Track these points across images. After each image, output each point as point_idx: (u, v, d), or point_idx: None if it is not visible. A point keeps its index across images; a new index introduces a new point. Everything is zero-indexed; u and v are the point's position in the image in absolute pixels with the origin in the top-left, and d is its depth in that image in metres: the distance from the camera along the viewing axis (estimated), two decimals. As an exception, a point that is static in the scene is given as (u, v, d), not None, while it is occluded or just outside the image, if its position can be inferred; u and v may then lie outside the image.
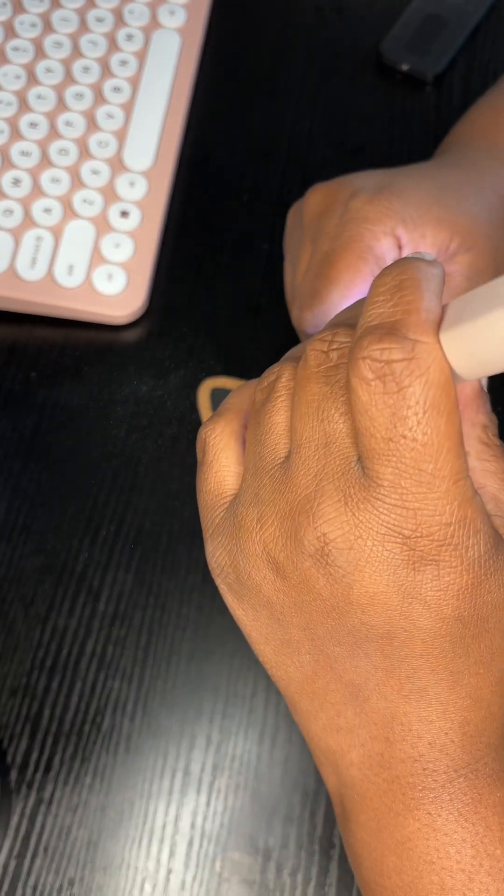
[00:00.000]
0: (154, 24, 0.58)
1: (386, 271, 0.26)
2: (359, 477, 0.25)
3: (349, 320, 0.28)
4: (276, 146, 0.56)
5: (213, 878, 0.40)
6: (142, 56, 0.57)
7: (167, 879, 0.40)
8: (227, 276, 0.52)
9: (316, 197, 0.41)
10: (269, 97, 0.58)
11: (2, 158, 0.53)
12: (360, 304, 0.28)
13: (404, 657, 0.27)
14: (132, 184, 0.52)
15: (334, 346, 0.27)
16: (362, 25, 0.60)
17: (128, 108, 0.55)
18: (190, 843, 0.40)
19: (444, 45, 0.58)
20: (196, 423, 0.48)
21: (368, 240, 0.38)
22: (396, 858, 0.29)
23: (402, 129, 0.57)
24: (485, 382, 0.29)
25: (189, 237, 0.54)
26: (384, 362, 0.24)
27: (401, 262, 0.26)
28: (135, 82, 0.56)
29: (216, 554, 0.30)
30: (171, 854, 0.40)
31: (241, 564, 0.29)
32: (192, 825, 0.41)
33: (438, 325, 0.24)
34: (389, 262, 0.38)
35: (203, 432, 0.31)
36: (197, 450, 0.31)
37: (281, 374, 0.28)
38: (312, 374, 0.27)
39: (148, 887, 0.40)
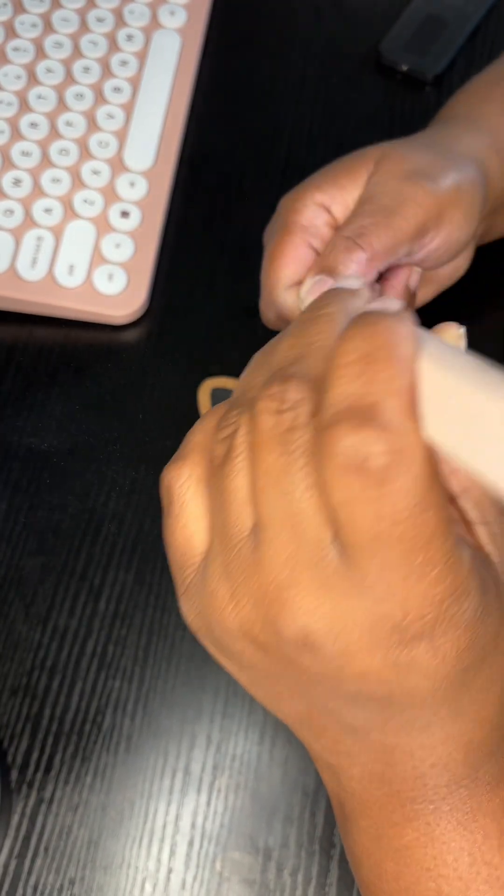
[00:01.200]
0: (154, 24, 0.58)
1: (351, 334, 0.23)
2: (338, 566, 0.23)
3: (298, 367, 0.25)
4: (276, 146, 0.56)
5: (213, 878, 0.40)
6: (142, 56, 0.57)
7: (168, 879, 0.40)
8: (227, 276, 0.53)
9: (267, 227, 0.42)
10: (269, 97, 0.58)
11: (2, 158, 0.53)
12: (305, 345, 0.26)
13: (403, 710, 0.26)
14: (132, 184, 0.52)
15: (286, 406, 0.24)
16: (362, 25, 0.60)
17: (128, 108, 0.55)
18: (190, 843, 0.40)
19: (444, 46, 0.58)
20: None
21: (292, 216, 0.38)
22: (395, 864, 0.29)
23: (402, 129, 0.57)
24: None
25: (189, 237, 0.54)
26: (364, 457, 0.21)
27: (368, 324, 0.23)
28: (135, 82, 0.56)
29: (191, 616, 0.28)
30: (172, 853, 0.40)
31: (218, 633, 0.27)
32: (193, 825, 0.41)
33: (415, 403, 0.22)
34: (320, 226, 0.38)
35: (167, 478, 0.29)
36: (162, 496, 0.29)
37: (238, 427, 0.26)
38: (266, 439, 0.24)
39: (148, 887, 0.40)
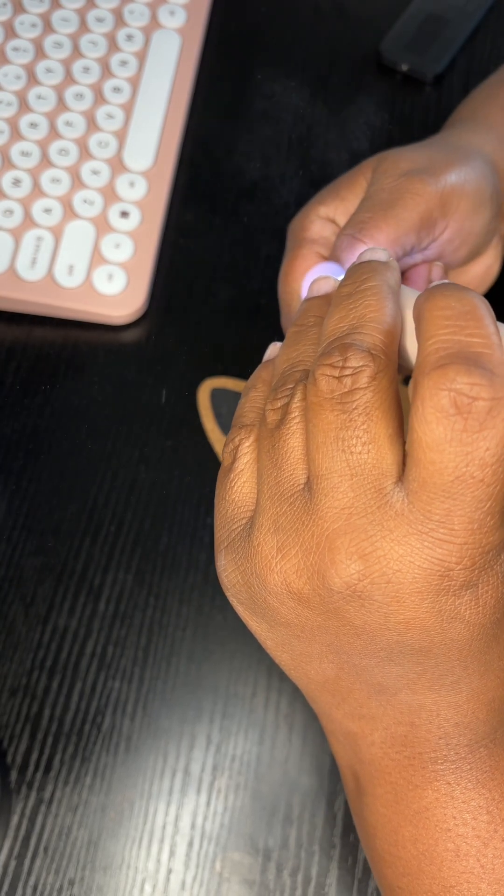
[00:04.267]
0: (154, 24, 0.58)
1: (445, 293, 0.25)
2: (400, 509, 0.25)
3: (349, 334, 0.27)
4: (276, 146, 0.56)
5: (213, 879, 0.40)
6: (142, 56, 0.57)
7: (167, 879, 0.40)
8: (227, 276, 0.52)
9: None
10: (269, 97, 0.58)
11: (2, 159, 0.53)
12: (345, 308, 0.28)
13: (438, 662, 0.27)
14: (132, 184, 0.52)
15: (347, 372, 0.26)
16: (362, 25, 0.60)
17: (128, 108, 0.55)
18: (190, 844, 0.40)
19: (444, 45, 0.58)
20: (196, 423, 0.48)
21: (300, 234, 0.39)
22: (413, 828, 0.29)
23: (402, 129, 0.57)
24: None
25: (189, 237, 0.54)
26: (471, 398, 0.23)
27: (455, 289, 0.25)
28: (135, 82, 0.56)
29: (228, 570, 0.29)
30: (172, 854, 0.40)
31: (256, 588, 0.28)
32: (193, 825, 0.41)
33: None
34: (328, 237, 0.39)
35: (237, 438, 0.30)
36: (225, 454, 0.30)
37: (293, 395, 0.28)
38: (325, 400, 0.26)
39: (148, 887, 0.40)
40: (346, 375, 0.26)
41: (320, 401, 0.26)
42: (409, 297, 0.29)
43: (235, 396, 0.49)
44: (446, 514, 0.24)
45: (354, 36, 0.60)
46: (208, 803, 0.41)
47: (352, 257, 0.36)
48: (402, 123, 0.57)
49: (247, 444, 0.29)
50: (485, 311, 0.25)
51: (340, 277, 0.31)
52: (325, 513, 0.26)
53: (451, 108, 0.57)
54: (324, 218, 0.39)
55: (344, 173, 0.41)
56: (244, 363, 0.50)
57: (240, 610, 0.30)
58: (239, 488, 0.29)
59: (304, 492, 0.26)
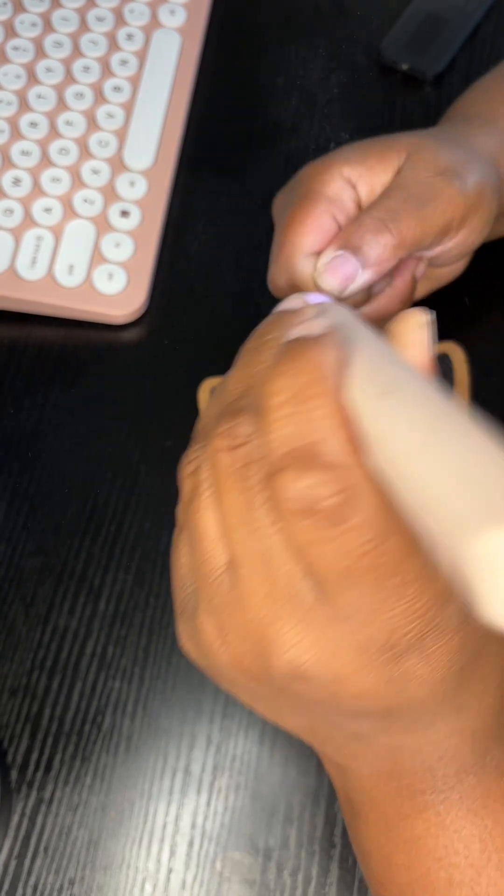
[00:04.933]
0: (154, 23, 0.58)
1: (278, 371, 0.23)
2: (314, 600, 0.24)
3: (247, 400, 0.25)
4: (276, 145, 0.56)
5: (213, 878, 0.40)
6: (142, 55, 0.57)
7: (168, 879, 0.40)
8: (227, 275, 0.52)
9: (278, 196, 0.41)
10: (269, 97, 0.58)
11: (2, 158, 0.53)
12: (251, 376, 0.26)
13: (406, 714, 0.26)
14: (132, 183, 0.52)
15: (238, 442, 0.24)
16: (362, 25, 0.60)
17: (128, 107, 0.55)
18: (190, 843, 0.40)
19: (444, 45, 0.58)
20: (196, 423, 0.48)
21: (317, 186, 0.37)
22: (405, 856, 0.29)
23: (402, 129, 0.56)
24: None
25: (189, 237, 0.53)
26: (313, 500, 0.22)
27: (293, 357, 0.23)
28: (135, 82, 0.56)
29: (183, 640, 0.29)
30: (172, 854, 0.40)
31: (211, 663, 0.27)
32: (193, 825, 0.41)
33: (355, 434, 0.22)
34: (345, 201, 0.37)
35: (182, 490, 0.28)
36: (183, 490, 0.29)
37: (200, 464, 0.26)
38: (225, 477, 0.24)
39: (148, 887, 0.40)
40: (239, 446, 0.24)
41: (222, 478, 0.25)
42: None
43: (235, 396, 0.48)
44: (356, 600, 0.23)
45: (354, 35, 0.60)
46: (209, 803, 0.41)
47: (374, 244, 0.35)
48: (402, 123, 0.57)
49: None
50: (324, 377, 0.22)
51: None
52: (249, 601, 0.25)
53: (451, 107, 0.57)
54: (345, 179, 0.37)
55: (372, 140, 0.39)
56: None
57: (207, 673, 0.29)
58: (177, 558, 0.28)
59: (228, 572, 0.25)
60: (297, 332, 0.26)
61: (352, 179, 0.37)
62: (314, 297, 0.31)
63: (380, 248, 0.35)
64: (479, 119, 0.44)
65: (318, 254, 0.37)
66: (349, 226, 0.36)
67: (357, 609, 0.23)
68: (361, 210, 0.38)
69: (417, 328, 0.25)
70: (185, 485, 0.27)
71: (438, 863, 0.28)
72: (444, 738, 0.28)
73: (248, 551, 0.24)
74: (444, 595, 0.24)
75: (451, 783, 0.28)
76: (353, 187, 0.38)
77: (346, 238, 0.36)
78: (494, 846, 0.28)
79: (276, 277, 0.38)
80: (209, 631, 0.26)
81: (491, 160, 0.40)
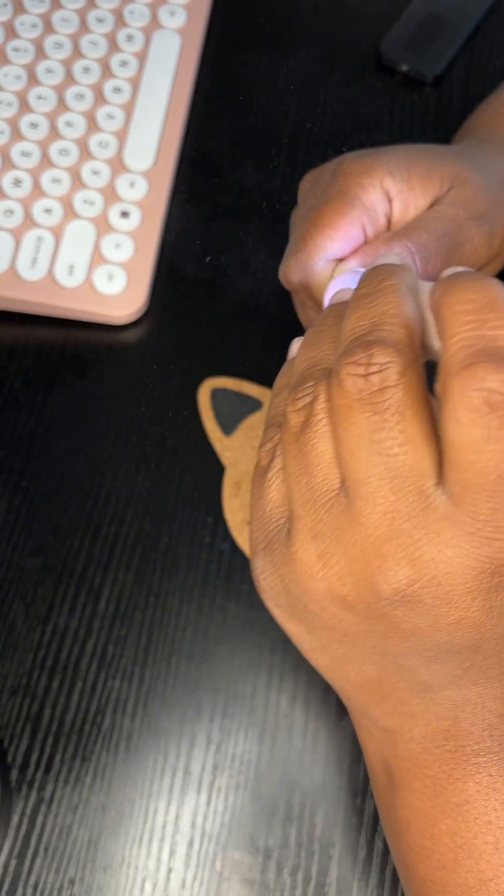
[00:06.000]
0: (154, 24, 0.58)
1: (462, 286, 0.25)
2: (445, 512, 0.24)
3: (371, 331, 0.26)
4: (277, 146, 0.56)
5: (213, 878, 0.40)
6: (142, 56, 0.57)
7: (167, 878, 0.40)
8: (228, 275, 0.53)
9: (308, 176, 0.41)
10: (269, 98, 0.58)
11: (2, 159, 0.53)
12: (364, 307, 0.27)
13: (487, 657, 0.27)
14: (132, 184, 0.52)
15: (374, 370, 0.25)
16: (362, 25, 0.60)
17: (128, 108, 0.55)
18: (190, 843, 0.40)
19: (444, 46, 0.58)
20: (196, 423, 0.48)
21: (356, 190, 0.36)
22: (451, 821, 0.29)
23: (402, 129, 0.57)
24: None
25: (189, 237, 0.54)
26: (493, 392, 0.23)
27: (472, 279, 0.25)
28: (135, 83, 0.56)
29: (266, 573, 0.28)
30: (172, 853, 0.40)
31: (295, 593, 0.27)
32: (193, 824, 0.41)
33: None
34: (379, 214, 0.37)
35: (275, 437, 0.29)
36: (261, 452, 0.29)
37: (317, 396, 0.27)
38: (354, 401, 0.25)
39: (148, 886, 0.40)
40: (374, 373, 0.25)
41: (349, 402, 0.25)
42: (426, 291, 0.28)
43: (235, 396, 0.49)
44: (492, 512, 0.23)
45: (354, 36, 0.60)
46: (208, 802, 0.41)
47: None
48: (402, 123, 0.57)
49: (271, 447, 0.29)
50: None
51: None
52: (367, 519, 0.25)
53: (450, 108, 0.57)
54: (385, 190, 0.37)
55: (418, 152, 0.38)
56: (244, 363, 0.50)
57: (276, 613, 0.29)
58: (277, 488, 0.28)
59: (341, 497, 0.26)
60: (449, 271, 0.27)
61: (391, 193, 0.37)
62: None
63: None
64: (493, 143, 0.43)
65: (340, 260, 0.36)
66: (378, 243, 0.36)
67: (488, 521, 0.24)
68: (390, 225, 0.37)
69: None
70: (294, 417, 0.27)
71: (487, 826, 0.28)
72: None
73: (373, 470, 0.25)
74: None
75: None
76: (390, 201, 0.37)
77: (372, 258, 0.35)
78: None
79: (291, 272, 0.38)
80: (307, 557, 0.26)
81: None
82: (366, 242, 0.37)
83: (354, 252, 0.36)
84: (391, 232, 0.37)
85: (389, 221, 0.37)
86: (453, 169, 0.38)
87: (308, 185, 0.40)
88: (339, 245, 0.36)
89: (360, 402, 0.25)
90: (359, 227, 0.36)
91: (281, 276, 0.39)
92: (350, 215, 0.36)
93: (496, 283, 0.24)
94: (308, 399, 0.27)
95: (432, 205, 0.37)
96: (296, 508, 0.27)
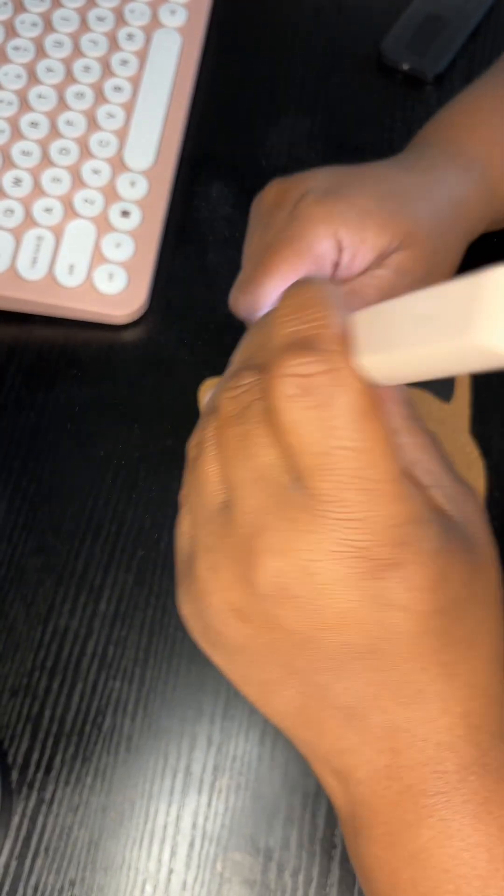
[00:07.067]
0: (155, 23, 0.58)
1: (288, 292, 0.26)
2: (299, 499, 0.25)
3: (248, 361, 0.28)
4: (277, 146, 0.56)
5: (214, 879, 0.40)
6: (143, 55, 0.57)
7: (168, 880, 0.40)
8: (227, 275, 0.52)
9: (272, 191, 0.41)
10: (270, 97, 0.58)
11: (3, 158, 0.53)
12: (253, 345, 0.28)
13: (393, 665, 0.26)
14: (133, 183, 0.52)
15: (241, 389, 0.26)
16: (362, 25, 0.60)
17: (128, 107, 0.55)
18: (191, 844, 0.40)
19: (445, 45, 0.58)
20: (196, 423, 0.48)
21: (310, 239, 0.38)
22: (411, 870, 0.28)
23: (402, 129, 0.57)
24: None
25: (190, 237, 0.53)
26: (306, 376, 0.24)
27: (302, 283, 0.26)
28: (136, 82, 0.56)
29: (183, 603, 0.29)
30: (173, 854, 0.40)
31: (205, 615, 0.28)
32: (194, 825, 0.41)
33: (349, 338, 0.24)
34: (327, 264, 0.38)
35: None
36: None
37: (205, 429, 0.28)
38: (229, 419, 0.27)
39: (149, 888, 0.40)
40: (241, 392, 0.27)
41: (224, 422, 0.27)
42: None
43: (236, 396, 0.48)
44: (336, 491, 0.24)
45: (355, 35, 0.60)
46: (209, 804, 0.41)
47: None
48: (402, 123, 0.57)
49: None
50: (324, 295, 0.25)
51: None
52: (240, 519, 0.26)
53: (451, 108, 0.57)
54: (337, 241, 0.38)
55: (375, 196, 0.40)
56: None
57: (202, 646, 0.30)
58: (185, 520, 0.30)
59: (223, 508, 0.27)
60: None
61: (343, 243, 0.38)
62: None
63: None
64: (457, 155, 0.44)
65: None
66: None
67: (334, 500, 0.24)
68: (336, 269, 0.39)
69: None
70: (191, 453, 0.29)
71: (446, 875, 0.28)
72: (438, 716, 0.27)
73: (243, 476, 0.26)
74: (422, 516, 0.25)
75: (452, 782, 0.28)
76: (340, 251, 0.38)
77: None
78: (501, 856, 0.27)
79: (238, 307, 0.40)
80: (202, 573, 0.27)
81: (469, 239, 0.43)
82: None
83: None
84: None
85: (337, 266, 0.39)
86: (407, 227, 0.39)
87: (268, 205, 0.41)
88: (278, 291, 0.38)
89: (232, 418, 0.27)
90: (301, 274, 0.38)
91: (230, 304, 0.41)
92: (298, 268, 0.37)
93: (321, 284, 0.26)
94: (199, 436, 0.29)
95: (378, 256, 0.38)
96: (194, 531, 0.28)
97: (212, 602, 0.27)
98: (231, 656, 0.29)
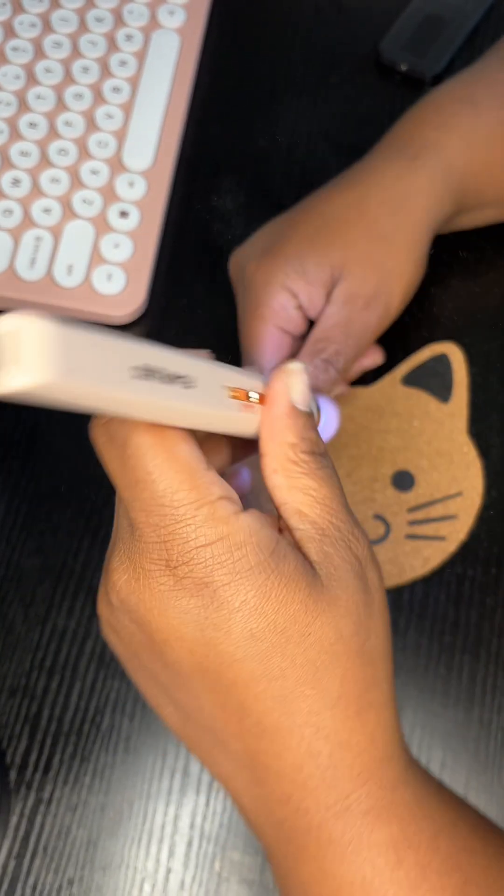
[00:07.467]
0: (153, 24, 0.58)
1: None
2: (128, 526, 0.27)
3: None
4: (276, 146, 0.56)
5: (212, 878, 0.40)
6: (141, 56, 0.57)
7: (166, 879, 0.40)
8: (227, 276, 0.52)
9: (230, 267, 0.46)
10: (269, 97, 0.58)
11: (1, 158, 0.53)
12: None
13: (226, 688, 0.26)
14: (131, 184, 0.52)
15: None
16: (362, 25, 0.60)
17: (127, 108, 0.55)
18: (189, 843, 0.40)
19: (443, 46, 0.58)
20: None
21: (263, 301, 0.42)
22: None
23: (402, 129, 0.57)
24: (298, 398, 0.29)
25: (188, 237, 0.54)
26: (103, 423, 0.26)
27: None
28: (134, 82, 0.56)
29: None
30: (171, 854, 0.40)
31: (102, 631, 0.30)
32: (192, 825, 0.41)
33: None
34: (290, 310, 0.42)
35: None
36: None
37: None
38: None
39: (147, 887, 0.40)
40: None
41: None
42: None
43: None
44: (144, 517, 0.26)
45: (354, 35, 0.60)
46: (207, 803, 0.41)
47: (325, 379, 0.41)
48: (401, 123, 0.57)
49: None
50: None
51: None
52: (110, 544, 0.28)
53: (450, 108, 0.57)
54: (288, 290, 0.41)
55: (313, 228, 0.43)
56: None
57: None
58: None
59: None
60: None
61: (293, 290, 0.42)
62: None
63: (328, 382, 0.41)
64: (422, 151, 0.45)
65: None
66: (303, 358, 0.41)
67: (145, 529, 0.26)
68: (304, 310, 0.42)
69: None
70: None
71: None
72: (283, 752, 0.27)
73: (116, 513, 0.29)
74: (234, 535, 0.26)
75: (315, 821, 0.27)
76: (296, 296, 0.42)
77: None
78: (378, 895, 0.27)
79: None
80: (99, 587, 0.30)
81: (426, 223, 0.44)
82: (292, 336, 0.42)
83: (286, 351, 0.42)
84: (307, 348, 0.41)
85: (302, 310, 0.42)
86: (340, 257, 0.42)
87: (232, 281, 0.46)
88: (269, 358, 0.42)
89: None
90: (278, 334, 0.42)
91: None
92: (266, 329, 0.42)
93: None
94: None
95: (329, 293, 0.42)
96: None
97: (98, 613, 0.29)
98: (123, 664, 0.30)
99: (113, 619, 0.28)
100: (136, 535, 0.26)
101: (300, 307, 0.42)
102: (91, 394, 0.21)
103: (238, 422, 0.28)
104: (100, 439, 0.27)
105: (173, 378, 0.24)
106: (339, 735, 0.27)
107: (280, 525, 0.28)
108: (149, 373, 0.23)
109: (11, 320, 0.20)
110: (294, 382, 0.29)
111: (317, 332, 0.42)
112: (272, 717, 0.27)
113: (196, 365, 0.25)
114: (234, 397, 0.28)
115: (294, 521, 0.28)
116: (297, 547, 0.28)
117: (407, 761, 0.29)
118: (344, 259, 0.42)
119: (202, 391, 0.26)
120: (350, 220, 0.43)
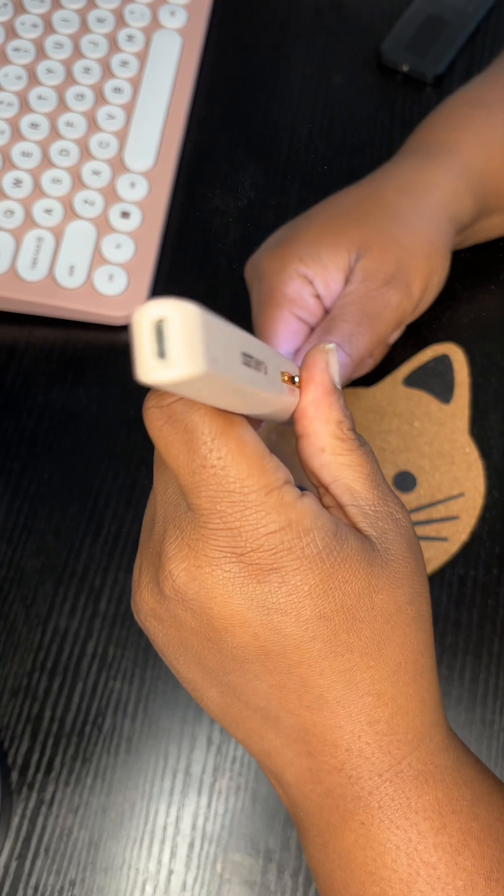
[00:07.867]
0: (155, 24, 0.58)
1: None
2: (186, 512, 0.27)
3: None
4: (277, 147, 0.56)
5: (214, 880, 0.40)
6: (143, 57, 0.57)
7: (168, 880, 0.40)
8: (228, 277, 0.52)
9: (247, 268, 0.44)
10: (270, 98, 0.58)
11: (3, 159, 0.53)
12: None
13: (288, 668, 0.27)
14: (133, 184, 0.52)
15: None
16: (363, 26, 0.60)
17: (129, 108, 0.55)
18: (191, 845, 0.40)
19: (445, 46, 0.58)
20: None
21: (278, 288, 0.40)
22: (342, 872, 0.29)
23: (402, 129, 0.57)
24: (336, 378, 0.29)
25: (190, 238, 0.54)
26: (164, 406, 0.25)
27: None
28: (136, 83, 0.56)
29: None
30: (173, 855, 0.40)
31: (140, 618, 0.30)
32: (194, 826, 0.41)
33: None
34: (306, 298, 0.40)
35: None
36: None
37: None
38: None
39: (149, 888, 0.40)
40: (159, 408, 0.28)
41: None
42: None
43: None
44: (210, 504, 0.25)
45: (355, 36, 0.60)
46: (209, 804, 0.41)
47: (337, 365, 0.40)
48: (402, 124, 0.57)
49: None
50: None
51: None
52: (156, 528, 0.28)
53: (451, 108, 0.57)
54: (302, 276, 0.40)
55: (324, 226, 0.41)
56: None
57: (167, 661, 0.31)
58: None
59: (152, 518, 0.29)
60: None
61: (308, 276, 0.40)
62: None
63: (344, 370, 0.39)
64: (436, 154, 0.45)
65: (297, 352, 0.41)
66: (313, 341, 0.40)
67: (210, 515, 0.25)
68: (320, 299, 0.40)
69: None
70: None
71: (371, 877, 0.28)
72: (345, 723, 0.27)
73: (158, 489, 0.28)
74: (303, 526, 0.26)
75: (367, 788, 0.28)
76: (311, 283, 0.40)
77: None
78: (421, 860, 0.28)
79: None
80: (135, 576, 0.29)
81: (448, 217, 0.43)
82: (309, 326, 0.41)
83: (303, 339, 0.40)
84: (318, 330, 0.40)
85: (319, 298, 0.40)
86: (358, 237, 0.40)
87: (248, 284, 0.44)
88: (286, 345, 0.40)
89: (152, 434, 0.28)
90: (294, 321, 0.40)
91: None
92: (282, 315, 0.40)
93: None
94: None
95: (347, 276, 0.40)
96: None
97: (139, 604, 0.29)
98: (162, 652, 0.30)
99: (160, 608, 0.28)
100: (200, 521, 0.26)
101: (317, 295, 0.40)
102: (217, 382, 0.21)
103: (286, 405, 0.28)
104: (157, 422, 0.25)
105: (258, 364, 0.24)
106: (396, 700, 0.28)
107: (324, 503, 0.29)
108: (247, 359, 0.23)
109: (157, 307, 0.20)
110: (332, 361, 0.29)
111: (333, 310, 0.40)
112: (335, 690, 0.27)
113: (266, 350, 0.25)
114: (285, 381, 0.28)
115: (346, 498, 0.28)
116: (352, 524, 0.28)
117: (448, 727, 0.30)
118: (361, 239, 0.40)
119: (271, 377, 0.26)
120: (366, 207, 0.42)
